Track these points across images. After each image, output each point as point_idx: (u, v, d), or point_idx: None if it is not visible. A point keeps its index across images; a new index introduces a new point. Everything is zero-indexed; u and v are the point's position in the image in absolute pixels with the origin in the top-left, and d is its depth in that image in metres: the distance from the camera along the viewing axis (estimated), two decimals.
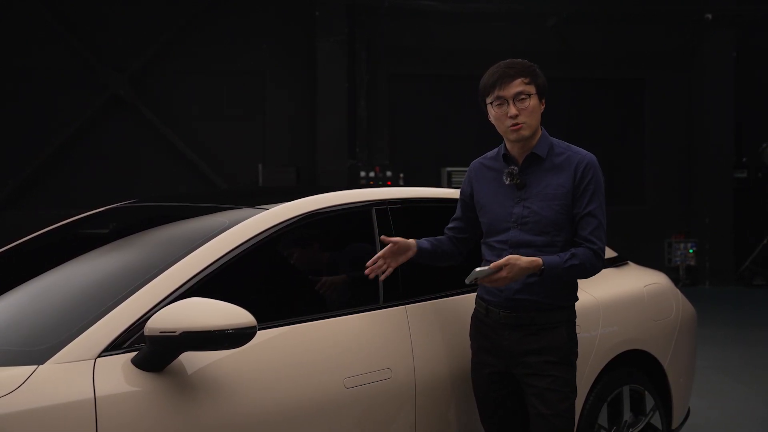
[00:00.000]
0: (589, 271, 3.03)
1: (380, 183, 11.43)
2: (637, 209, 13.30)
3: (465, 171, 11.08)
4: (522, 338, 3.04)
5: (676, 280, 12.66)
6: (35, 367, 2.25)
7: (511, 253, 2.99)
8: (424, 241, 3.19)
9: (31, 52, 11.62)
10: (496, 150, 3.23)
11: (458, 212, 3.30)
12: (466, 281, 2.87)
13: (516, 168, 3.08)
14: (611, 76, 13.25)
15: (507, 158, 3.14)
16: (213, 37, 12.05)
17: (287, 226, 2.96)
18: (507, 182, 3.08)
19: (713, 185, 12.88)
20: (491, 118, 3.12)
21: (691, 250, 12.75)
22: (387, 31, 12.39)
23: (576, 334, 3.14)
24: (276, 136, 12.29)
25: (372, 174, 11.63)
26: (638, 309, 3.96)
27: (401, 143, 12.60)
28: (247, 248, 2.79)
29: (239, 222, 2.87)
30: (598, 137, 13.13)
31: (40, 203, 11.51)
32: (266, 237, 2.86)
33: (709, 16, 12.60)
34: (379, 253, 3.03)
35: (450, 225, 3.31)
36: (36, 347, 2.34)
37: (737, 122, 13.04)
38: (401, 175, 11.64)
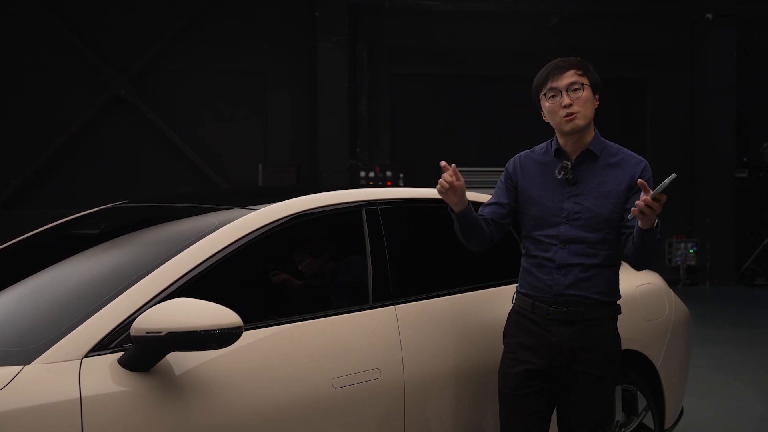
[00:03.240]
0: (655, 254, 2.97)
1: (380, 183, 11.44)
2: None
3: (466, 171, 11.09)
4: (571, 334, 3.03)
5: (676, 280, 12.68)
6: (21, 367, 2.25)
7: (561, 248, 3.02)
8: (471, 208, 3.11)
9: (32, 52, 11.66)
10: (544, 145, 3.21)
11: (500, 198, 3.21)
12: (655, 194, 2.66)
13: (569, 163, 3.08)
14: (612, 75, 13.19)
15: (559, 153, 3.13)
16: (214, 37, 12.07)
17: (276, 226, 2.95)
18: (559, 176, 3.07)
19: (714, 185, 12.87)
20: (545, 113, 3.11)
21: (691, 250, 12.73)
22: (388, 31, 12.40)
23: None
24: (277, 136, 12.31)
25: (372, 174, 11.63)
26: (630, 309, 3.92)
27: (402, 143, 12.61)
28: (236, 249, 2.79)
29: (228, 223, 2.87)
30: None
31: (42, 203, 11.55)
32: (255, 238, 2.86)
33: (710, 15, 12.59)
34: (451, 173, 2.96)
35: (490, 209, 3.20)
36: (23, 347, 2.34)
37: (738, 122, 13.03)
38: (401, 175, 11.64)
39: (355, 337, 2.97)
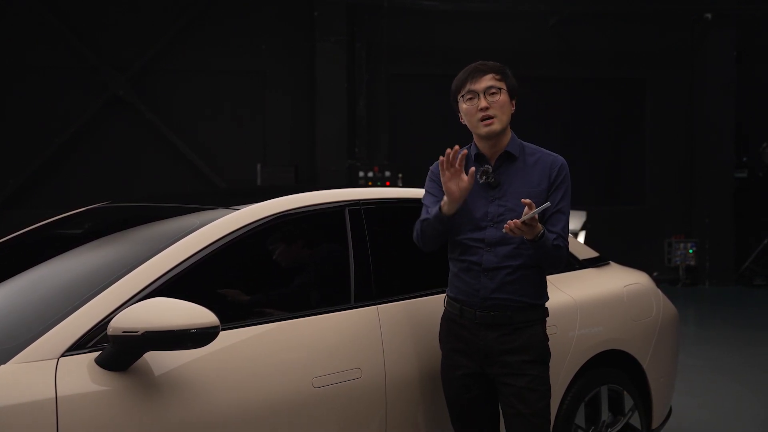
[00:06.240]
0: (561, 263, 3.07)
1: (379, 183, 11.43)
2: (637, 209, 13.27)
3: None
4: (499, 338, 3.05)
5: (676, 280, 12.66)
6: None
7: (488, 251, 3.02)
8: None
9: (32, 52, 11.67)
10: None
11: (440, 197, 3.17)
12: (526, 219, 2.80)
13: (490, 167, 3.10)
14: (612, 76, 13.22)
15: (479, 158, 3.15)
16: (213, 37, 12.07)
17: (258, 226, 2.96)
18: (481, 181, 3.08)
19: (713, 185, 12.84)
20: (462, 115, 3.14)
21: (691, 250, 12.70)
22: (387, 31, 12.40)
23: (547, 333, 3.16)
24: (276, 136, 12.31)
25: (371, 174, 11.62)
26: (617, 309, 3.96)
27: (401, 143, 12.60)
28: (216, 249, 2.80)
29: (210, 222, 2.88)
30: (598, 137, 13.12)
31: (42, 203, 11.56)
32: (235, 237, 2.87)
33: (710, 15, 12.57)
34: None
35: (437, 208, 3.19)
36: None
37: (737, 122, 13.00)
38: (400, 175, 11.63)
39: (337, 337, 2.97)
